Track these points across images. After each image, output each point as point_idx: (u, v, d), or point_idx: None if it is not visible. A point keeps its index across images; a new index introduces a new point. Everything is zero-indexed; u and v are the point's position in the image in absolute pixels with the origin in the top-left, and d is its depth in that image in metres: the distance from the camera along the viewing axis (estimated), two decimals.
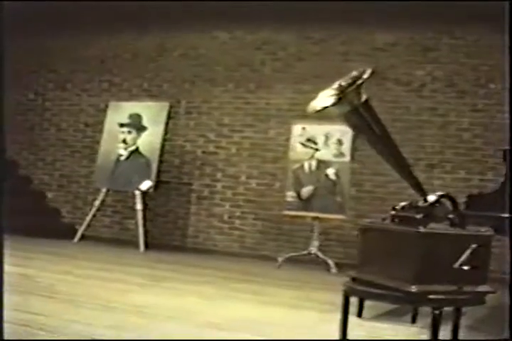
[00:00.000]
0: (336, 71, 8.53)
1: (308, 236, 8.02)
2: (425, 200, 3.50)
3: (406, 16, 7.92)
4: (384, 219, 3.63)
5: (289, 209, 7.95)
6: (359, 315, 5.09)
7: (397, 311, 5.23)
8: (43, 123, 9.98)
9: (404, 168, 3.68)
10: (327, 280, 7.06)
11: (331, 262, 7.63)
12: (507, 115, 6.66)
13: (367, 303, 5.05)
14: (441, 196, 3.50)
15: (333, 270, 7.56)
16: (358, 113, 3.39)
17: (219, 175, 8.94)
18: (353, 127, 3.67)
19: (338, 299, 5.79)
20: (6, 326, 3.97)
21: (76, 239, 8.85)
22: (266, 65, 8.85)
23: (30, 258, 6.99)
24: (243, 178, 8.82)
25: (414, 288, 3.21)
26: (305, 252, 7.83)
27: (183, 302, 5.31)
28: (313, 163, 7.83)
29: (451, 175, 7.94)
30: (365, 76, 3.31)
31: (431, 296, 3.24)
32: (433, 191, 7.81)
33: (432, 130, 8.11)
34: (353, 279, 3.60)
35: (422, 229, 3.29)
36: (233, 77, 8.97)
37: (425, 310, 5.07)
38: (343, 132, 7.72)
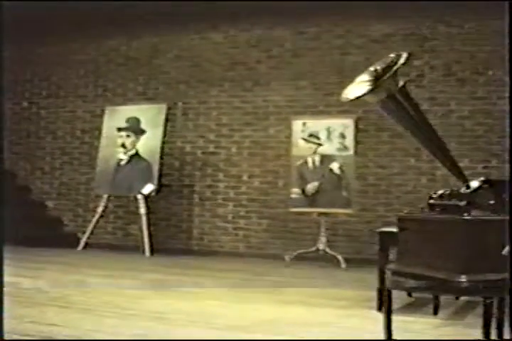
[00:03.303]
0: (334, 65, 8.58)
1: (314, 233, 7.97)
2: (467, 187, 3.39)
3: (401, 6, 7.85)
4: (422, 209, 3.53)
5: (294, 206, 7.89)
6: (379, 308, 5.06)
7: (415, 303, 5.19)
8: (39, 132, 9.86)
9: (444, 154, 3.57)
10: (338, 276, 7.02)
11: (340, 258, 7.58)
12: (507, 112, 6.58)
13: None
14: (484, 182, 3.38)
15: (343, 265, 7.51)
16: (394, 99, 3.29)
17: (220, 175, 8.85)
18: (390, 114, 3.54)
19: (354, 294, 5.83)
20: (25, 339, 3.91)
21: (80, 247, 8.77)
22: (261, 62, 8.76)
23: (38, 268, 6.91)
24: (245, 177, 8.73)
25: (463, 278, 3.12)
26: (313, 249, 7.77)
27: (201, 306, 5.23)
28: (317, 158, 7.77)
29: None
30: (402, 61, 3.21)
31: (481, 285, 3.15)
32: (436, 181, 7.88)
33: (433, 119, 8.01)
34: (394, 273, 3.47)
35: (468, 217, 3.20)
36: (229, 77, 8.88)
37: (445, 301, 5.06)
38: (344, 126, 7.68)
